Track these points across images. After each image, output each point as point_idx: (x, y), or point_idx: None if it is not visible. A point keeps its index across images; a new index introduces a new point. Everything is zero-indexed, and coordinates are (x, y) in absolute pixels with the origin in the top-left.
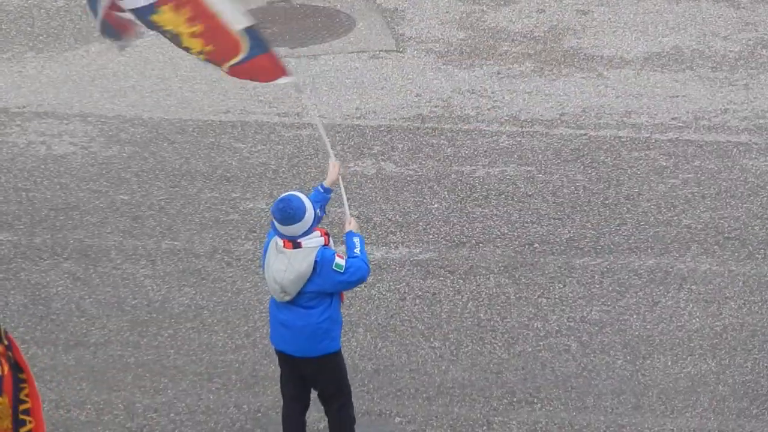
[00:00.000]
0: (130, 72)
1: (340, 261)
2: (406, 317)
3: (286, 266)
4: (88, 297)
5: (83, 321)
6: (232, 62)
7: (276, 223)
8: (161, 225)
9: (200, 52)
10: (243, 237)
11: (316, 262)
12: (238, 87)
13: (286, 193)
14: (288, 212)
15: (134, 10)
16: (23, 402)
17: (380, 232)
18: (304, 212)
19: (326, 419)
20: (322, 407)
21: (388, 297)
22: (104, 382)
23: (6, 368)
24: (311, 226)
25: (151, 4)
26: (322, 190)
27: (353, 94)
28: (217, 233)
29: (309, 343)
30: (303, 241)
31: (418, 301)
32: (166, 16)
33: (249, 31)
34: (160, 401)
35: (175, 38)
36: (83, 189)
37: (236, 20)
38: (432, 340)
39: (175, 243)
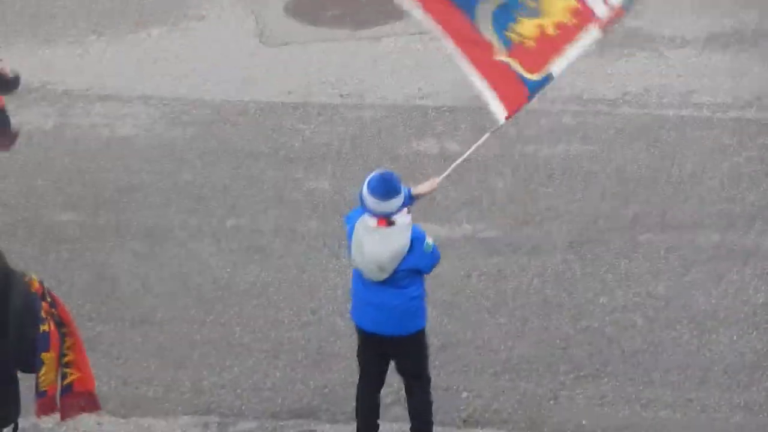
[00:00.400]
0: (191, 55)
1: (429, 241)
2: (471, 294)
3: (383, 244)
4: (153, 275)
5: (149, 299)
6: (517, 69)
7: (373, 199)
8: (225, 204)
9: (529, 39)
10: (307, 216)
11: (412, 239)
12: (300, 68)
13: (378, 171)
14: (391, 185)
15: None
16: (65, 355)
17: (444, 211)
18: (400, 188)
19: (395, 395)
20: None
21: (452, 274)
22: (171, 360)
23: (52, 325)
24: (404, 203)
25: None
26: (407, 194)
27: (415, 75)
28: (281, 212)
29: (402, 321)
30: (396, 218)
31: (483, 278)
32: (550, 6)
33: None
34: (226, 378)
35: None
36: (147, 170)
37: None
38: (497, 316)
39: (240, 221)
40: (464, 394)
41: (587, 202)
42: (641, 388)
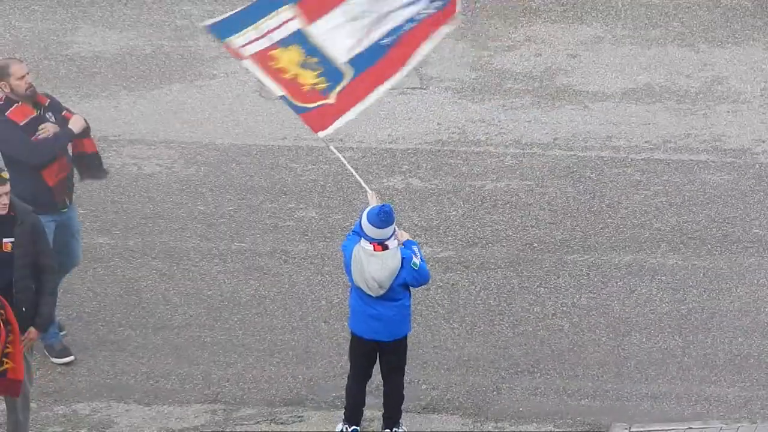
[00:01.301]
0: (205, 106)
1: (416, 260)
2: (430, 304)
3: (381, 266)
4: (172, 289)
5: (168, 308)
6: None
7: (372, 228)
8: (231, 230)
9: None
10: (297, 239)
11: (402, 258)
12: (292, 118)
13: (378, 205)
14: (390, 217)
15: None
16: (6, 347)
17: (409, 235)
18: (394, 216)
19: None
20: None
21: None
22: (186, 358)
23: None
24: (394, 231)
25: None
26: None
27: (386, 123)
28: (276, 237)
29: (395, 328)
30: (389, 243)
31: (439, 290)
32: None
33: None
34: (231, 373)
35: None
36: (167, 201)
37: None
38: (451, 322)
39: (243, 245)
40: (423, 386)
41: (524, 228)
42: (567, 381)
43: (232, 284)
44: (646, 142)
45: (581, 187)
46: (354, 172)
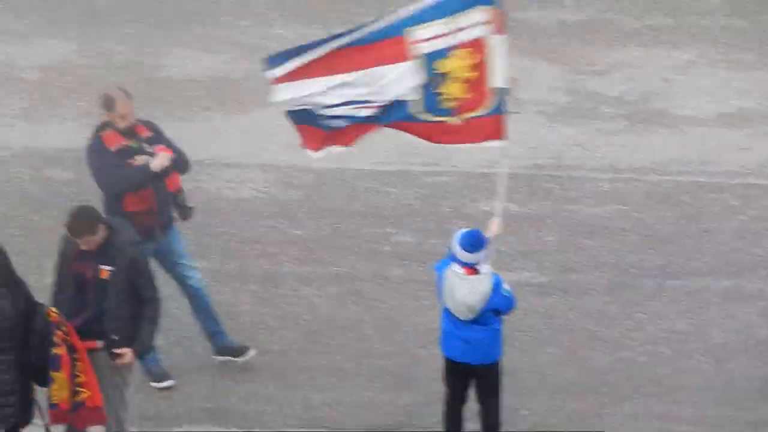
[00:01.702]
0: None
1: (506, 286)
2: (528, 329)
3: (471, 290)
4: (270, 313)
5: (266, 333)
6: (470, 114)
7: (462, 252)
8: (328, 255)
9: (454, 99)
10: (395, 264)
11: (494, 283)
12: (389, 141)
13: (467, 229)
14: (479, 240)
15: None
16: (78, 376)
17: (506, 260)
18: (485, 241)
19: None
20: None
21: (513, 313)
22: (285, 382)
23: (64, 349)
24: (486, 256)
25: (444, 49)
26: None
27: (483, 148)
28: (373, 261)
29: (487, 351)
30: (480, 267)
31: (537, 316)
32: (453, 61)
33: (502, 89)
34: (330, 397)
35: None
36: (264, 225)
37: (497, 77)
38: (550, 347)
39: (340, 269)
40: (523, 412)
41: (622, 253)
42: (667, 407)
43: (329, 309)
44: (741, 166)
45: (678, 212)
46: (501, 194)
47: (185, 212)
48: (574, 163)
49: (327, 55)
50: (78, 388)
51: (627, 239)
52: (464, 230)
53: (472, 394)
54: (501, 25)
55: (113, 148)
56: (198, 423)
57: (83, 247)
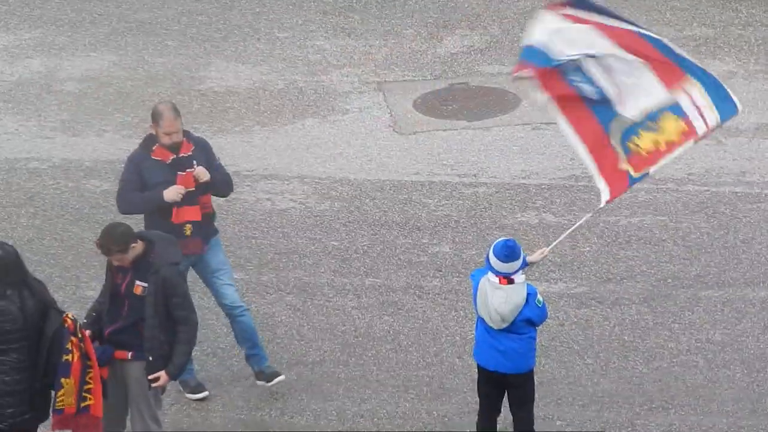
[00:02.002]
0: (338, 141)
1: (540, 297)
2: (564, 339)
3: (505, 299)
4: (306, 324)
5: (302, 344)
6: (628, 170)
7: (497, 261)
8: (365, 266)
9: (639, 147)
10: (431, 275)
11: (528, 294)
12: (426, 153)
13: (503, 239)
14: (513, 251)
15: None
16: (87, 383)
17: (542, 270)
18: (521, 253)
19: (502, 423)
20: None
21: (549, 323)
22: (320, 394)
23: (77, 356)
24: (522, 265)
25: (682, 112)
26: (523, 258)
27: (519, 158)
28: (410, 272)
29: (518, 361)
30: (515, 277)
31: (573, 326)
32: (675, 124)
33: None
34: (365, 408)
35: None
36: (301, 237)
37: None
38: (585, 358)
39: (377, 280)
40: (558, 422)
41: (658, 263)
42: (702, 417)
43: (366, 320)
44: None
45: (715, 222)
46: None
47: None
48: None
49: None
50: (85, 394)
51: (663, 249)
52: (500, 240)
53: (506, 403)
54: (698, 137)
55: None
56: None
57: (116, 263)
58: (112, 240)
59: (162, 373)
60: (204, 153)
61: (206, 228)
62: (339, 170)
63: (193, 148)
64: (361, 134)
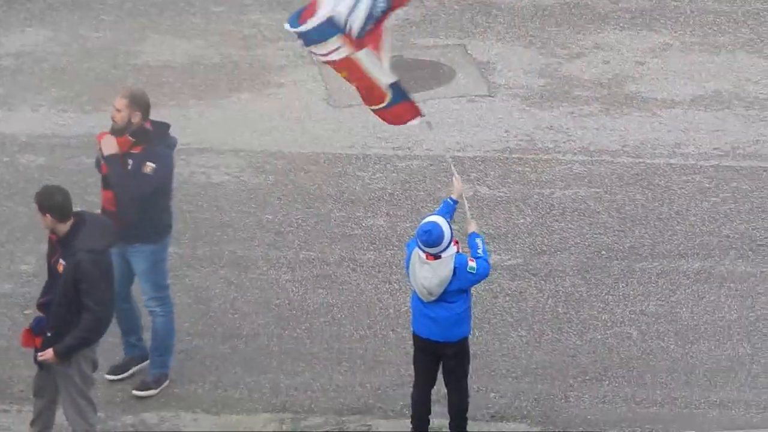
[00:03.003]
0: (273, 115)
1: (472, 264)
2: (498, 312)
3: (432, 274)
4: (240, 298)
5: (236, 317)
6: (377, 107)
7: (420, 243)
8: (299, 239)
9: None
10: (365, 248)
11: (455, 267)
12: (360, 126)
13: (429, 220)
14: (431, 241)
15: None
16: None
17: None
18: (443, 237)
19: (436, 395)
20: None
21: (483, 296)
22: (254, 367)
23: None
24: (449, 243)
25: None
26: (450, 202)
27: (454, 131)
28: (344, 245)
29: (453, 329)
30: (443, 253)
31: (507, 298)
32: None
33: (392, 86)
34: (299, 381)
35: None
36: (236, 210)
37: (384, 77)
38: (519, 330)
39: (311, 253)
40: (491, 394)
41: (592, 235)
42: (635, 389)
43: (300, 293)
44: (715, 149)
45: (650, 194)
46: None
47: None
48: (547, 146)
49: None
50: None
51: (598, 221)
52: (425, 222)
53: (440, 377)
54: (354, 42)
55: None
56: (167, 408)
57: (51, 234)
58: (51, 196)
59: (49, 350)
60: (149, 154)
61: (136, 229)
62: (274, 143)
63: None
64: (296, 108)
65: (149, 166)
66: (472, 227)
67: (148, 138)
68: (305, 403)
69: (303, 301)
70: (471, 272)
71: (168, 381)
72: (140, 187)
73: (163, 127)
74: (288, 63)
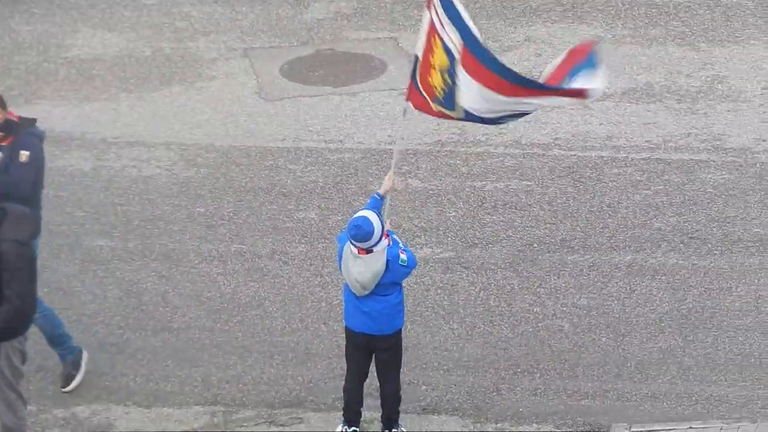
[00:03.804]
0: (205, 108)
1: (403, 256)
2: (430, 305)
3: (365, 268)
4: (171, 291)
5: (168, 310)
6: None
7: (351, 238)
8: (231, 232)
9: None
10: (297, 241)
11: (387, 261)
12: (292, 119)
13: (359, 215)
14: (362, 236)
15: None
16: None
17: (408, 236)
18: (374, 232)
19: (368, 388)
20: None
21: (415, 289)
22: (185, 360)
23: None
24: (380, 238)
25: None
26: (378, 198)
27: (385, 124)
28: (276, 238)
29: (387, 322)
30: (374, 247)
31: (439, 291)
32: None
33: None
34: (230, 375)
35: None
36: (167, 203)
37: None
38: (451, 322)
39: (242, 246)
40: (423, 387)
41: (524, 228)
42: (568, 381)
43: (231, 286)
44: (646, 141)
45: (581, 187)
46: (396, 156)
47: None
48: (479, 139)
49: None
50: None
51: (530, 214)
52: (355, 217)
53: (372, 369)
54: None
55: None
56: (98, 401)
57: None
58: None
59: None
60: (21, 143)
61: None
62: (205, 137)
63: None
64: (227, 101)
65: (24, 155)
66: (387, 226)
67: (16, 129)
68: (237, 396)
69: (234, 294)
70: (402, 264)
71: (85, 355)
72: (22, 176)
73: (29, 120)
74: (219, 56)
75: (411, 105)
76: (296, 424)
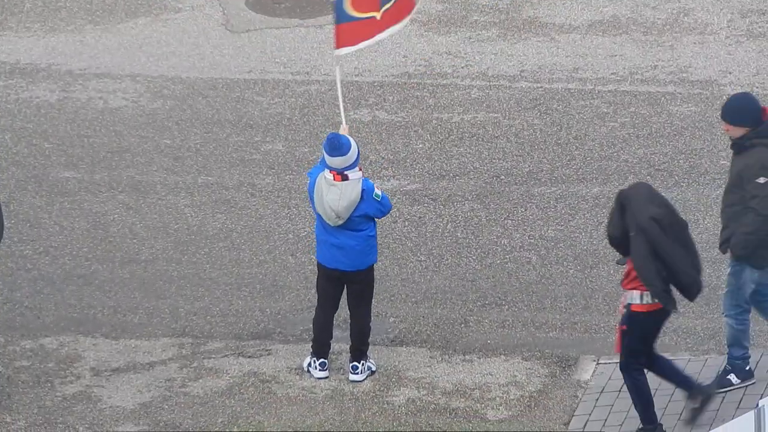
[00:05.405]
0: (170, 40)
1: (378, 191)
2: (397, 237)
3: (339, 195)
4: (139, 223)
5: (135, 242)
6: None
7: (326, 156)
8: (198, 164)
9: None
10: (264, 173)
11: (363, 190)
12: (258, 51)
13: (328, 135)
14: (339, 142)
15: None
16: None
17: (375, 168)
18: (350, 147)
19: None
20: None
21: (382, 220)
22: (153, 292)
23: None
24: (355, 161)
25: None
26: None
27: (352, 56)
28: (243, 170)
29: (360, 257)
30: (349, 173)
31: (406, 223)
32: None
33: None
34: (198, 306)
35: None
36: (134, 135)
37: None
38: (419, 254)
39: (209, 178)
40: (391, 319)
41: (491, 160)
42: (535, 313)
43: (198, 218)
44: (612, 74)
45: (548, 119)
46: (341, 103)
47: None
48: (445, 71)
49: None
50: None
51: (496, 146)
52: (329, 134)
53: (342, 303)
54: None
55: None
56: (66, 333)
57: None
58: None
59: None
60: None
61: None
62: (171, 69)
63: None
64: (193, 33)
65: None
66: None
67: None
68: (205, 328)
69: (202, 226)
70: (376, 199)
71: None
72: None
73: None
74: None
75: (343, 50)
76: (264, 355)
